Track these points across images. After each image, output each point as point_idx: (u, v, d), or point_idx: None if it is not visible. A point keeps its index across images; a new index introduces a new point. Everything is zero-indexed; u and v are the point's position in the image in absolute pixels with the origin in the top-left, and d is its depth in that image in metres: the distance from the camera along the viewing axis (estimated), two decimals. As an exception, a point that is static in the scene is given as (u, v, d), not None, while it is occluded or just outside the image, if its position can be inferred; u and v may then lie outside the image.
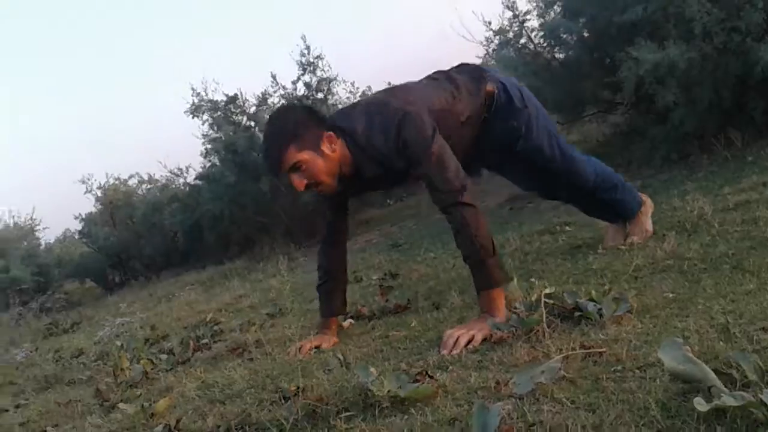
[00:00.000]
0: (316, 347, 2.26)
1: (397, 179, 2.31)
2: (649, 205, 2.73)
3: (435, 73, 2.38)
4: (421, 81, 2.33)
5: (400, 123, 2.04)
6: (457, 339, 1.80)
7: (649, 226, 2.69)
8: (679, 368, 1.11)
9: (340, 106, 8.70)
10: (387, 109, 2.10)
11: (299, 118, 2.11)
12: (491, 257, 1.98)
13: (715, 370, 1.13)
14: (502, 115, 2.32)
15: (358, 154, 2.12)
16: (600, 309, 1.70)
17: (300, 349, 2.25)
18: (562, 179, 2.54)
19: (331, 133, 2.09)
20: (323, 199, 2.37)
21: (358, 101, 2.31)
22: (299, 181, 2.07)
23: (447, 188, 2.03)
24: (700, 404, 0.99)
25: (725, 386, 1.08)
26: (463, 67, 2.41)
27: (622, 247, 2.58)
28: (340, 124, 2.14)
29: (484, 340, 1.80)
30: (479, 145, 2.36)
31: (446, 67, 2.41)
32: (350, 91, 9.93)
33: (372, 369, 1.58)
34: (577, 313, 1.74)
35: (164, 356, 2.79)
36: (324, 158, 2.07)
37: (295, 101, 8.00)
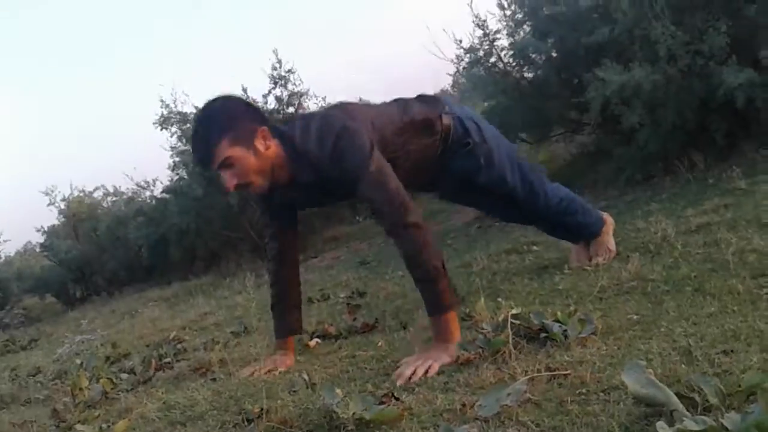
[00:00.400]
0: (271, 371, 2.21)
1: (334, 191, 2.19)
2: (610, 224, 2.76)
3: (393, 100, 2.36)
4: (370, 104, 2.34)
5: (338, 134, 1.98)
6: (414, 370, 1.75)
7: (611, 245, 2.71)
8: (642, 391, 1.11)
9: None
10: (327, 120, 2.06)
11: (234, 109, 2.03)
12: (442, 280, 1.93)
13: (677, 394, 1.14)
14: (459, 149, 2.32)
15: (292, 156, 2.05)
16: (565, 330, 1.71)
17: (255, 372, 2.22)
18: (524, 206, 2.56)
19: (265, 128, 2.02)
20: (268, 212, 2.32)
21: (302, 113, 2.29)
22: (230, 180, 1.99)
23: (389, 209, 1.97)
24: (663, 428, 0.99)
25: (687, 410, 1.09)
26: (420, 96, 2.39)
27: (588, 267, 2.60)
28: (279, 127, 2.10)
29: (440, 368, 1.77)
30: (438, 176, 2.36)
31: (406, 93, 2.41)
32: (321, 106, 9.92)
33: (338, 390, 1.56)
34: (542, 334, 1.74)
35: (125, 375, 2.73)
36: (257, 156, 1.99)
37: (266, 114, 7.98)
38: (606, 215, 2.78)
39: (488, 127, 2.44)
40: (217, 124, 1.98)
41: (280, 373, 2.17)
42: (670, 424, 1.02)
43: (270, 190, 2.10)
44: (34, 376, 3.52)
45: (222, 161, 1.97)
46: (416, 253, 1.95)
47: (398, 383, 1.72)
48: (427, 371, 1.75)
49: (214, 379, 2.30)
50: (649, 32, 4.21)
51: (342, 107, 2.16)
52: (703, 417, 1.01)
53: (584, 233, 2.72)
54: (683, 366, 1.34)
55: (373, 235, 6.83)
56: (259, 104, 8.19)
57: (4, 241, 11.53)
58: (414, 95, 2.41)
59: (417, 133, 2.22)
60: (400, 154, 2.15)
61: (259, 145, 2.00)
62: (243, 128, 1.98)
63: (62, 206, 10.65)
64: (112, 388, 2.51)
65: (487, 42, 5.64)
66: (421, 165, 2.27)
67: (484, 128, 2.38)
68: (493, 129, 2.47)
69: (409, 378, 1.73)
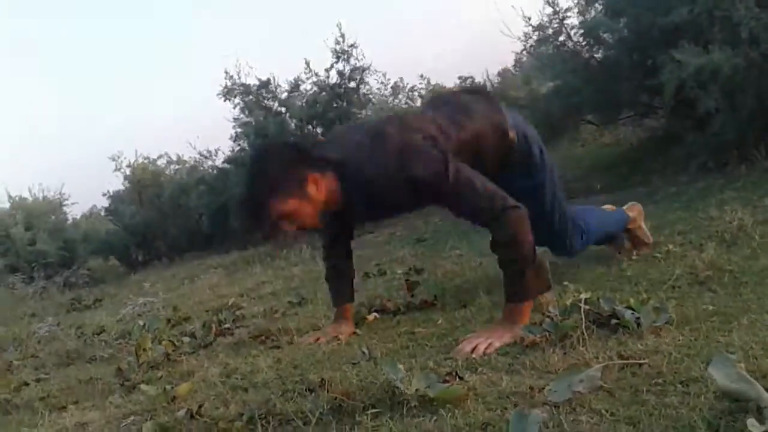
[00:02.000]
0: (333, 339, 2.22)
1: (400, 207, 2.20)
2: (638, 213, 2.71)
3: (446, 96, 2.29)
4: (427, 108, 2.24)
5: (402, 155, 1.90)
6: (476, 346, 1.73)
7: (646, 237, 2.72)
8: (731, 386, 1.05)
9: (371, 96, 8.65)
10: (383, 139, 1.96)
11: (282, 161, 2.00)
12: (529, 268, 1.88)
13: (765, 390, 1.08)
14: (520, 169, 2.20)
15: (347, 185, 2.01)
16: (638, 318, 1.64)
17: (317, 339, 2.23)
18: (554, 237, 2.43)
19: (316, 174, 1.97)
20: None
21: (353, 126, 2.21)
22: (288, 228, 2.02)
23: (484, 206, 1.88)
24: (754, 426, 0.94)
25: (778, 408, 1.03)
26: (479, 96, 2.24)
27: (658, 254, 2.52)
28: (329, 155, 2.03)
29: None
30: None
31: (499, 65, 2.39)
32: (382, 82, 9.88)
33: (400, 366, 1.54)
34: (613, 321, 1.68)
35: (186, 339, 2.77)
36: (310, 201, 1.98)
37: (327, 88, 7.97)
38: (632, 212, 2.70)
39: (543, 147, 2.30)
40: (267, 185, 1.97)
41: (340, 344, 2.17)
42: (761, 421, 0.96)
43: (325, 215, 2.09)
44: (98, 334, 3.61)
45: (278, 219, 1.98)
46: (510, 239, 1.87)
47: (457, 357, 1.70)
48: (487, 348, 1.72)
49: (275, 347, 2.32)
50: (731, 13, 4.02)
51: (398, 121, 2.08)
52: (797, 416, 0.95)
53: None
54: (768, 361, 1.27)
55: (429, 213, 6.77)
56: (321, 78, 8.20)
57: (72, 204, 11.89)
58: (467, 91, 2.35)
59: (481, 146, 2.09)
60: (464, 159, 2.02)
61: (312, 190, 1.98)
62: (293, 180, 1.96)
63: (127, 172, 10.91)
64: (173, 350, 2.56)
65: (557, 20, 5.50)
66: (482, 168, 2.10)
67: (544, 152, 2.27)
68: (547, 153, 2.32)
69: (471, 352, 1.71)
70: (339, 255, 2.43)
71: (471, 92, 2.33)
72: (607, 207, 2.81)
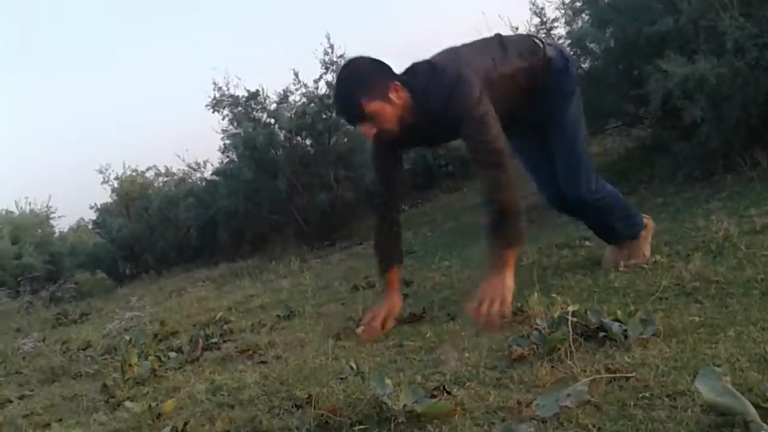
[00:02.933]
0: (386, 318, 2.31)
1: (445, 132, 2.41)
2: (650, 228, 2.71)
3: (493, 36, 2.54)
4: (475, 43, 2.49)
5: (452, 81, 2.20)
6: (488, 311, 1.85)
7: (647, 251, 2.67)
8: (718, 400, 1.05)
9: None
10: (445, 72, 2.26)
11: (369, 68, 2.26)
12: (514, 218, 2.06)
13: (751, 404, 1.07)
14: (557, 78, 2.47)
15: (416, 102, 2.25)
16: (625, 330, 1.64)
17: (369, 323, 2.31)
18: (567, 185, 2.58)
19: (397, 83, 2.22)
20: (381, 169, 2.50)
21: (426, 60, 2.42)
22: (369, 130, 2.23)
23: (486, 150, 2.14)
24: (740, 441, 0.94)
25: (763, 421, 1.03)
26: (519, 34, 2.60)
27: (621, 269, 2.53)
28: (405, 77, 2.28)
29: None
30: (530, 104, 2.47)
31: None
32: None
33: (387, 381, 1.53)
34: (601, 334, 1.68)
35: (173, 354, 2.75)
36: (392, 105, 2.21)
37: (317, 99, 7.98)
38: (648, 220, 2.71)
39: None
40: (355, 84, 2.23)
41: (327, 359, 2.15)
42: (748, 436, 0.96)
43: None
44: (84, 350, 3.58)
45: (364, 116, 2.21)
46: (498, 190, 2.09)
47: (477, 327, 1.91)
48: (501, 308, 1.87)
49: (262, 362, 2.30)
50: (716, 23, 4.04)
51: (456, 52, 2.38)
52: (783, 431, 0.94)
53: (622, 235, 2.66)
54: (755, 374, 1.27)
55: (419, 224, 6.78)
56: (310, 89, 8.18)
57: (59, 217, 11.83)
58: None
59: (520, 71, 2.39)
60: (499, 93, 2.30)
61: (393, 96, 2.21)
62: (379, 84, 2.20)
63: (115, 185, 10.85)
64: (160, 366, 2.54)
65: (544, 30, 5.53)
66: (515, 100, 2.40)
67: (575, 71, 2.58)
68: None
69: (488, 314, 1.85)
70: (389, 221, 2.52)
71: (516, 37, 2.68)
72: None
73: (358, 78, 2.25)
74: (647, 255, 2.65)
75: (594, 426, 1.18)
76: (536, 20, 5.40)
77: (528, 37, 2.52)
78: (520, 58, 2.40)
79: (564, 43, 5.37)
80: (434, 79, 2.27)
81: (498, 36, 2.52)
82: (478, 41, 2.51)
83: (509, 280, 1.96)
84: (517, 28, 5.48)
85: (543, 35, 5.37)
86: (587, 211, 2.65)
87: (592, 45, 5.22)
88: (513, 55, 2.40)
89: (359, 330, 2.46)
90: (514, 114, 2.40)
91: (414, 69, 2.36)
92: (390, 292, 2.42)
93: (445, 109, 2.22)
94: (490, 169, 2.14)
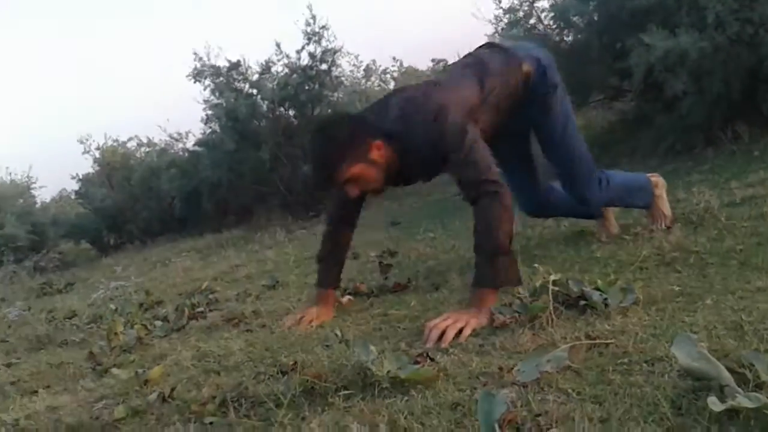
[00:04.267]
0: (311, 322, 2.21)
1: (432, 169, 2.30)
2: (661, 186, 2.68)
3: (465, 57, 2.39)
4: (453, 73, 2.37)
5: (435, 116, 2.07)
6: (444, 331, 1.72)
7: (666, 209, 2.66)
8: (693, 365, 1.08)
9: (343, 79, 8.60)
10: (424, 108, 2.13)
11: (347, 130, 2.14)
12: (502, 257, 1.93)
13: (726, 369, 1.11)
14: (536, 88, 2.33)
15: (400, 151, 2.15)
16: (606, 299, 1.68)
17: (299, 320, 2.23)
18: (574, 181, 2.54)
19: (379, 141, 2.12)
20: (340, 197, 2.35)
21: (391, 96, 2.30)
22: (353, 191, 2.15)
23: (477, 184, 2.00)
24: (714, 404, 0.97)
25: (738, 386, 1.06)
26: (494, 50, 2.38)
27: (626, 236, 2.56)
28: (383, 127, 2.16)
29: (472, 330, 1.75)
30: (512, 118, 2.36)
31: (469, 49, 2.44)
32: (354, 64, 9.83)
33: (372, 348, 1.55)
34: (582, 302, 1.71)
35: (159, 323, 2.76)
36: (374, 166, 2.12)
37: (299, 70, 7.92)
38: (655, 179, 2.69)
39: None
40: (332, 151, 2.10)
41: (314, 327, 2.17)
42: (722, 400, 0.99)
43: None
44: (70, 318, 3.58)
45: (346, 182, 2.12)
46: (493, 228, 1.95)
47: (426, 345, 1.69)
48: (458, 334, 1.72)
49: (248, 330, 2.32)
50: (698, -3, 4.06)
51: (431, 89, 2.23)
52: (756, 394, 0.98)
53: (637, 207, 2.71)
54: (731, 341, 1.31)
55: (404, 195, 6.80)
56: (292, 60, 8.11)
57: (40, 187, 11.71)
58: (485, 46, 2.45)
59: (501, 96, 2.26)
60: (485, 119, 2.22)
61: (375, 156, 2.12)
62: (358, 147, 2.10)
63: (97, 155, 10.76)
64: (146, 334, 2.55)
65: (528, 3, 5.52)
66: (499, 121, 2.31)
67: (557, 76, 2.39)
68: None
69: (438, 340, 1.70)
70: (344, 229, 2.45)
71: (488, 47, 2.45)
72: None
73: (335, 144, 2.11)
74: (668, 213, 2.65)
75: (573, 390, 1.21)
76: (521, -8, 5.39)
77: (505, 53, 2.34)
78: (501, 80, 2.25)
79: (547, 16, 5.37)
80: (414, 117, 2.13)
81: (474, 57, 2.36)
82: (454, 70, 2.39)
83: (482, 319, 1.79)
84: (500, 1, 5.47)
85: (526, 8, 5.37)
86: (592, 206, 2.62)
87: (575, 18, 5.24)
88: (494, 78, 2.25)
89: (345, 299, 2.49)
90: (497, 131, 2.31)
91: (386, 114, 2.20)
92: (321, 305, 2.33)
93: (431, 146, 2.09)
94: (483, 204, 1.99)
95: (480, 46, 2.44)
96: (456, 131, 2.05)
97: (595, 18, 5.13)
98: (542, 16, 5.55)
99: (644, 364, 1.28)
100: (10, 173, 11.42)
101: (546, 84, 2.34)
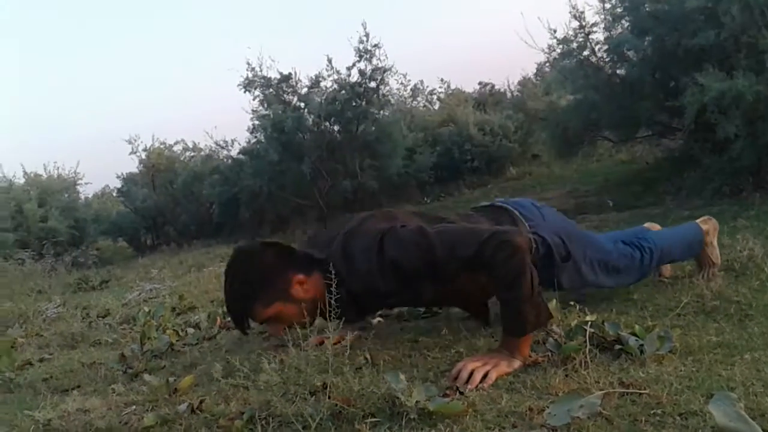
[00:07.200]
0: (339, 341, 2.18)
1: (396, 296, 1.98)
2: (712, 231, 2.52)
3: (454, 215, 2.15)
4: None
5: (382, 242, 1.83)
6: (472, 373, 1.63)
7: (715, 256, 2.50)
8: (730, 425, 1.06)
9: (390, 97, 8.66)
10: (365, 231, 1.91)
11: (262, 267, 1.95)
12: (529, 303, 1.71)
13: (763, 430, 1.08)
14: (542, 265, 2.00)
15: (338, 283, 1.86)
16: (642, 345, 1.65)
17: (321, 343, 2.20)
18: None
19: (300, 276, 1.93)
20: None
21: (334, 230, 2.11)
22: (274, 330, 1.99)
23: (478, 249, 1.74)
24: (750, 469, 0.94)
25: (775, 451, 1.03)
26: (494, 210, 2.18)
27: (665, 280, 2.51)
28: (312, 253, 1.99)
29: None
30: None
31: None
32: (401, 83, 9.89)
33: (401, 376, 1.55)
34: (617, 346, 1.69)
35: (191, 330, 2.80)
36: (295, 303, 1.92)
37: (348, 87, 7.98)
38: (706, 226, 2.50)
39: (568, 226, 2.22)
40: (246, 294, 1.93)
41: (343, 349, 2.16)
42: (757, 464, 0.96)
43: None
44: (103, 317, 3.65)
45: (264, 321, 1.97)
46: (512, 280, 1.71)
47: (453, 384, 1.62)
48: (484, 381, 1.62)
49: (280, 345, 2.32)
50: (757, 40, 4.00)
51: (379, 214, 2.03)
52: (794, 462, 0.95)
53: (686, 258, 2.56)
54: (769, 400, 1.27)
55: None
56: (342, 75, 8.18)
57: (85, 183, 11.98)
58: (481, 211, 2.20)
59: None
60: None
61: (296, 292, 1.93)
62: (274, 285, 1.92)
63: (143, 156, 10.99)
64: (177, 340, 2.58)
65: (582, 34, 5.50)
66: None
67: (566, 237, 2.12)
68: (568, 225, 2.25)
69: (465, 383, 1.62)
70: None
71: (485, 208, 2.23)
72: (652, 225, 2.63)
73: (247, 285, 1.92)
74: (717, 261, 2.50)
75: (604, 439, 1.19)
76: (575, 24, 5.37)
77: (505, 212, 2.11)
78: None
79: (601, 48, 5.33)
80: (354, 245, 1.89)
81: (465, 215, 2.14)
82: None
83: (514, 363, 1.68)
84: (555, 30, 5.45)
85: (581, 39, 5.34)
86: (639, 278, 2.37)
87: (629, 52, 5.20)
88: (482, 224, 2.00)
89: (375, 321, 2.48)
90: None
91: (327, 242, 2.00)
92: (347, 325, 2.12)
93: (378, 274, 1.83)
94: (498, 260, 1.72)
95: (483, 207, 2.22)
96: (413, 243, 1.80)
97: (650, 53, 5.09)
98: (596, 48, 5.53)
99: (678, 417, 1.25)
100: (58, 168, 11.72)
101: (553, 264, 2.07)
